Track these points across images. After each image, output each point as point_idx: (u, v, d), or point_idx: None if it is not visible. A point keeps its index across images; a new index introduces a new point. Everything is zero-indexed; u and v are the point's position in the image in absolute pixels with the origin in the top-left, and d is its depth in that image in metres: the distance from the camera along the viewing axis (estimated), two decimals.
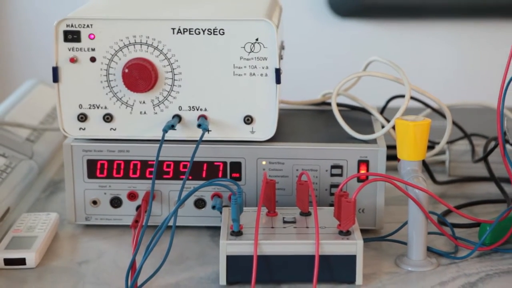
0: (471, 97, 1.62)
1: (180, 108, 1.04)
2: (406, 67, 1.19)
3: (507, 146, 1.23)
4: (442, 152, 1.31)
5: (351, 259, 0.92)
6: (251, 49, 1.02)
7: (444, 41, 2.56)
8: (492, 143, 1.25)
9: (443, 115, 1.21)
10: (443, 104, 1.19)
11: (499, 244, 1.02)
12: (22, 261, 0.96)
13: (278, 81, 1.03)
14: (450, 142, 1.31)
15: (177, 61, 1.03)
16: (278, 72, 1.03)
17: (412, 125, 0.96)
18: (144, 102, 1.05)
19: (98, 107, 1.05)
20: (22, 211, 1.13)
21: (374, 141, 1.06)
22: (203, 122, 1.03)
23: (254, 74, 1.03)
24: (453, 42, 2.56)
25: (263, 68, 1.03)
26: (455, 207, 1.12)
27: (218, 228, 0.98)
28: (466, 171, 1.28)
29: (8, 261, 0.96)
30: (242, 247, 0.91)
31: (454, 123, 1.25)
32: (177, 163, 1.06)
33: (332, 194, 1.05)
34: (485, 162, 1.24)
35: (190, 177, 1.05)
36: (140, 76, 1.02)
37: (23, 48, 2.64)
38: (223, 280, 0.92)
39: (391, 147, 1.06)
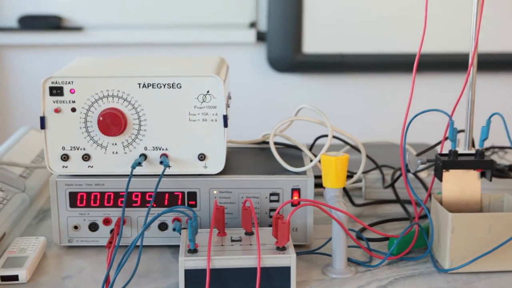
0: (381, 135, 1.63)
1: (145, 148, 1.03)
2: (329, 112, 1.20)
3: (409, 175, 1.24)
4: (359, 180, 1.32)
5: (287, 269, 0.91)
6: (203, 100, 1.02)
7: (358, 91, 2.59)
8: (398, 173, 1.26)
9: (359, 150, 1.21)
10: (358, 141, 1.20)
11: (403, 254, 1.02)
12: (15, 278, 0.95)
13: (225, 125, 1.02)
14: (365, 172, 1.31)
15: (142, 110, 1.02)
16: (225, 118, 1.02)
17: (334, 160, 0.96)
18: (116, 144, 1.03)
19: (78, 149, 1.03)
20: (15, 236, 1.11)
21: (304, 173, 1.06)
22: (164, 160, 1.02)
23: (206, 120, 1.02)
24: (366, 91, 2.59)
25: (213, 115, 1.02)
26: (369, 225, 1.13)
27: (178, 247, 0.97)
28: (378, 195, 1.29)
29: (3, 278, 0.94)
30: (197, 262, 0.90)
31: (367, 156, 1.26)
32: (143, 194, 1.04)
33: (270, 216, 1.05)
34: (393, 188, 1.25)
35: (154, 205, 1.04)
36: (112, 122, 1.00)
37: (17, 101, 2.62)
38: None
39: (318, 177, 1.06)
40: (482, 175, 1.03)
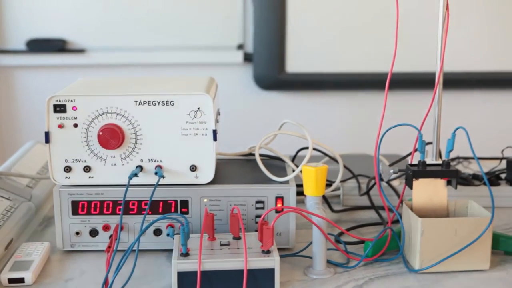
0: (357, 147, 1.63)
1: (141, 160, 1.02)
2: (309, 127, 1.20)
3: (382, 183, 1.24)
4: (337, 188, 1.31)
5: (271, 271, 0.90)
6: (194, 116, 1.01)
7: (336, 107, 2.59)
8: (372, 181, 1.26)
9: (336, 161, 1.21)
10: (336, 153, 1.20)
11: (378, 256, 1.02)
12: (22, 280, 0.94)
13: (215, 139, 1.02)
14: (342, 181, 1.31)
15: (139, 125, 1.01)
16: (215, 132, 1.02)
17: (314, 170, 0.96)
18: (114, 157, 1.02)
19: (79, 161, 1.02)
20: (22, 241, 1.10)
21: (287, 182, 1.06)
22: (159, 171, 1.01)
23: (197, 134, 1.02)
24: (343, 107, 2.59)
25: (203, 129, 1.02)
26: (347, 229, 1.13)
27: (171, 251, 0.96)
28: (355, 202, 1.28)
29: (11, 280, 0.94)
30: (189, 265, 0.89)
31: (345, 167, 1.26)
32: (139, 202, 1.03)
33: (256, 222, 1.04)
34: (368, 195, 1.25)
35: (149, 212, 1.03)
36: (111, 137, 1.00)
37: (25, 117, 2.61)
38: None
39: (300, 186, 1.05)
40: (449, 183, 1.03)
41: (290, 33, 2.49)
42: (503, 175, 1.31)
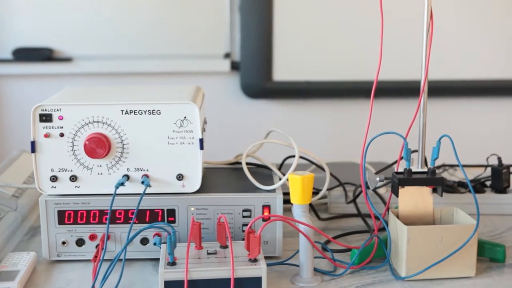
0: (343, 155, 1.63)
1: (128, 169, 1.02)
2: (296, 135, 1.20)
3: (368, 191, 1.24)
4: (324, 196, 1.31)
5: (258, 280, 0.90)
6: (181, 125, 1.01)
7: (323, 115, 2.59)
8: (359, 189, 1.27)
9: (323, 169, 1.21)
10: (323, 161, 1.20)
11: (365, 264, 1.02)
12: None
13: (201, 147, 1.02)
14: (329, 189, 1.31)
15: (125, 134, 1.01)
16: (201, 141, 1.01)
17: (300, 178, 0.96)
18: (100, 166, 1.02)
19: (65, 170, 1.02)
20: (8, 251, 1.08)
21: (273, 191, 1.06)
22: (145, 180, 1.01)
23: (183, 143, 1.02)
24: (329, 116, 2.60)
25: (190, 138, 1.01)
26: (333, 237, 1.13)
27: (158, 260, 0.95)
28: (342, 210, 1.28)
29: None
30: (176, 274, 0.88)
31: (331, 175, 1.26)
32: (126, 211, 1.02)
33: (243, 231, 1.04)
34: (354, 203, 1.25)
35: (136, 221, 1.02)
36: (97, 146, 0.99)
37: (11, 126, 2.59)
38: None
39: (286, 194, 1.05)
40: (434, 190, 1.03)
41: (277, 42, 2.49)
42: (488, 183, 1.32)
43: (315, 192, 1.26)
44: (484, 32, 2.54)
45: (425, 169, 1.03)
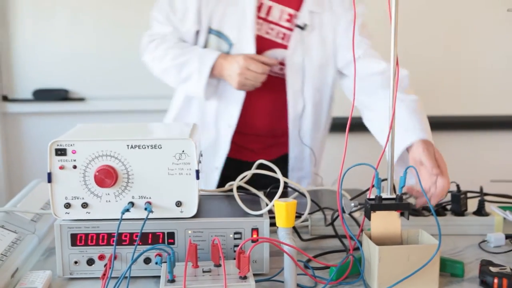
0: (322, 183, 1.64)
1: (133, 197, 1.02)
2: None
3: (345, 215, 1.24)
4: (305, 220, 1.31)
5: None
6: (179, 158, 1.01)
7: None
8: (336, 213, 1.26)
9: (305, 196, 1.21)
10: (304, 189, 1.20)
11: (341, 280, 1.01)
12: None
13: (197, 178, 1.02)
14: (310, 213, 1.31)
15: (130, 166, 1.01)
16: (197, 172, 1.02)
17: (285, 205, 0.96)
18: (109, 194, 1.01)
19: (78, 198, 1.01)
20: (26, 270, 1.07)
21: (261, 215, 1.05)
22: (148, 206, 1.00)
23: (182, 174, 1.02)
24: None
25: (187, 170, 1.02)
26: (314, 256, 1.12)
27: (159, 277, 0.95)
28: (321, 231, 1.28)
29: None
30: None
31: (312, 201, 1.26)
32: (131, 234, 1.02)
33: (234, 251, 1.03)
34: (332, 225, 1.25)
35: (140, 243, 1.02)
36: (106, 177, 0.99)
37: (30, 159, 2.59)
38: None
39: (272, 218, 1.05)
40: (402, 214, 1.04)
41: None
42: (448, 207, 1.33)
43: (298, 216, 1.26)
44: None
45: (394, 196, 1.03)
